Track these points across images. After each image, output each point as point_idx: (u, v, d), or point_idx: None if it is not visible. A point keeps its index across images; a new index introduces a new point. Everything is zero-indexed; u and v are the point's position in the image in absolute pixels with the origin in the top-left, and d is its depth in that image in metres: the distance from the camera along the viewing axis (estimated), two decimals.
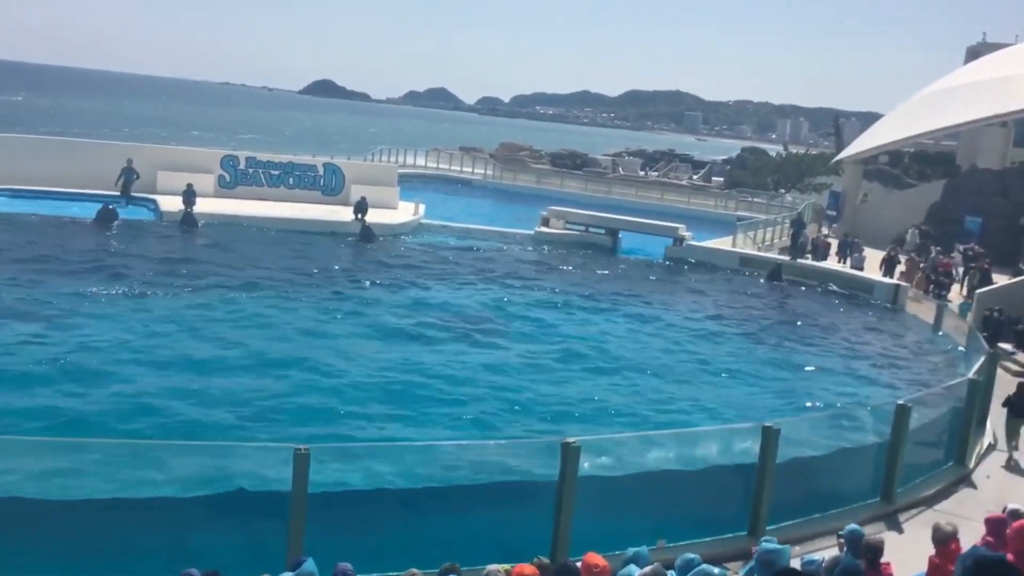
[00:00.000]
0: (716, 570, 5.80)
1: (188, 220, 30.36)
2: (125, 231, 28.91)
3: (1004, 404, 15.18)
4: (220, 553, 8.39)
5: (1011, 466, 14.39)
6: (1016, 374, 20.07)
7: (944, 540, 8.16)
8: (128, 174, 32.53)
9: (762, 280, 31.28)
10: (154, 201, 32.39)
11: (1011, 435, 15.00)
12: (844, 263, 34.73)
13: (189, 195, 30.77)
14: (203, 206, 31.23)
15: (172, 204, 31.12)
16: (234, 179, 35.78)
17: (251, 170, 36.27)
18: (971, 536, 8.67)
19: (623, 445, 11.89)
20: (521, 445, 11.69)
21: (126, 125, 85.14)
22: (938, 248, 33.56)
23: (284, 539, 8.46)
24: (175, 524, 9.19)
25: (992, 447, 14.98)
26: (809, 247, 36.25)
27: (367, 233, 31.94)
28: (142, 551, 8.82)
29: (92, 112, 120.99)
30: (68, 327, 18.25)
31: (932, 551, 8.29)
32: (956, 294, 29.51)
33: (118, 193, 32.20)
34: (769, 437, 10.68)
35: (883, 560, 7.70)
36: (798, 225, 37.10)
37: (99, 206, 29.84)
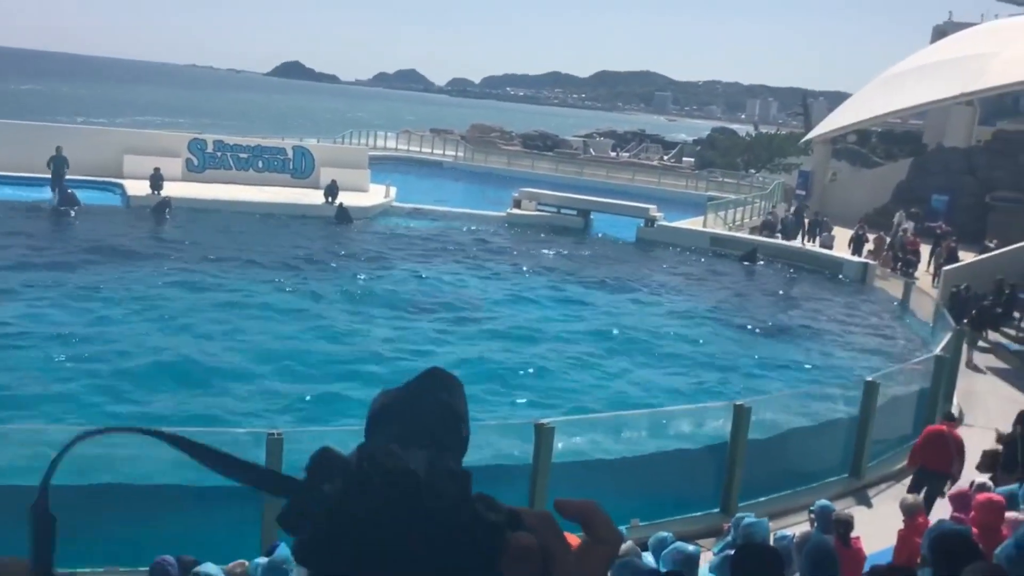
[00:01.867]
0: (690, 547, 5.87)
1: (161, 205, 29.90)
2: (90, 217, 28.53)
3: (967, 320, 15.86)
4: (196, 540, 8.37)
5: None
6: (982, 351, 20.42)
7: (911, 513, 8.33)
8: (58, 162, 29.67)
9: (738, 261, 31.38)
10: (120, 185, 31.96)
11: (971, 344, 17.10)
12: (813, 242, 35.06)
13: (156, 179, 30.38)
14: (171, 190, 30.80)
15: (139, 188, 30.72)
16: (202, 163, 35.37)
17: (219, 153, 35.86)
18: (939, 509, 8.85)
19: (596, 425, 11.98)
20: (494, 428, 11.72)
21: (88, 109, 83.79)
22: (905, 227, 33.94)
23: (259, 525, 8.46)
24: (149, 511, 9.17)
25: (959, 422, 15.22)
26: (779, 227, 36.56)
27: (343, 215, 31.74)
28: (116, 539, 8.80)
29: (52, 95, 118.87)
30: (38, 317, 18.03)
31: (901, 525, 8.46)
32: (923, 271, 29.91)
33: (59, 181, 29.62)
34: (740, 415, 10.82)
35: (853, 535, 7.84)
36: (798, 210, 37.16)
37: (60, 193, 29.23)
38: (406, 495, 0.83)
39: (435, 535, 0.83)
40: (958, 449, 10.99)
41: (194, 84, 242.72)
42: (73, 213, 28.62)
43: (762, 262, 31.18)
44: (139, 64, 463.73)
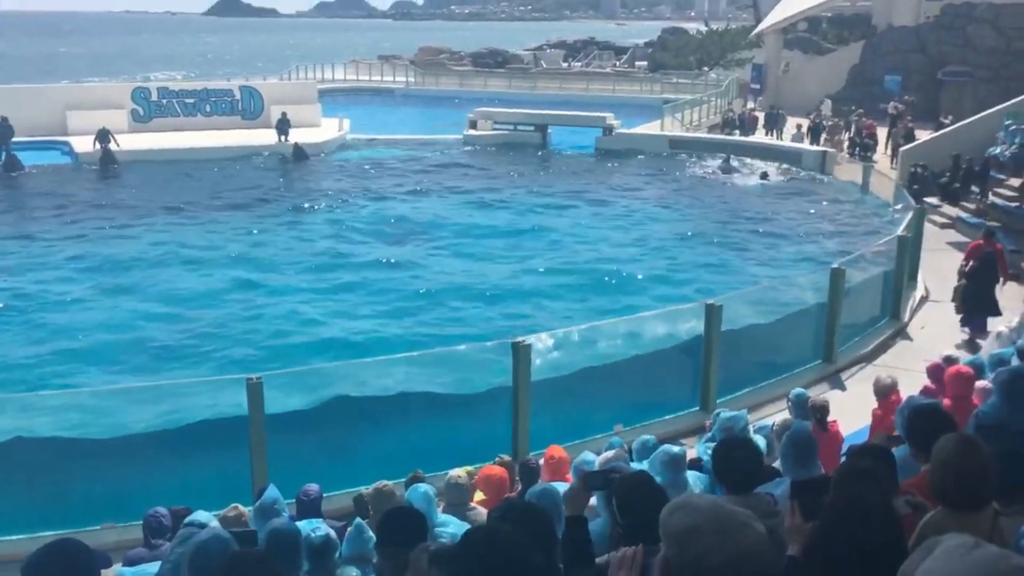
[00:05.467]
0: (676, 448, 6.00)
1: (107, 159, 29.29)
2: (38, 178, 27.87)
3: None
4: (191, 488, 8.44)
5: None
6: (942, 226, 20.73)
7: (884, 392, 8.55)
8: (2, 130, 28.87)
9: (717, 170, 30.49)
10: (67, 143, 31.16)
11: None
12: (772, 135, 35.08)
13: (103, 136, 29.64)
14: (118, 143, 30.13)
15: (87, 145, 29.97)
16: (148, 112, 34.52)
17: (164, 101, 34.99)
18: (911, 386, 9.08)
19: (572, 338, 12.09)
20: (473, 350, 11.80)
21: (23, 70, 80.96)
22: (860, 111, 33.97)
23: (248, 469, 8.54)
24: (139, 464, 9.23)
25: (924, 299, 15.55)
26: (737, 123, 36.50)
27: (299, 153, 31.24)
28: (105, 493, 8.87)
29: None
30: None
31: (875, 405, 8.69)
32: (881, 154, 30.08)
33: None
34: (712, 314, 10.96)
35: (829, 419, 8.05)
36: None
37: (6, 158, 28.46)
38: None
39: None
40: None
41: (129, 30, 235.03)
42: (15, 176, 27.91)
43: (736, 164, 30.71)
44: (71, 16, 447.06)
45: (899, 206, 19.76)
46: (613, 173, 30.90)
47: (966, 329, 13.71)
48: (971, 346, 12.88)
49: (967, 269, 14.03)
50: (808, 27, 56.70)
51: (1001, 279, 13.97)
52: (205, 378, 12.32)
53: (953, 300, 14.17)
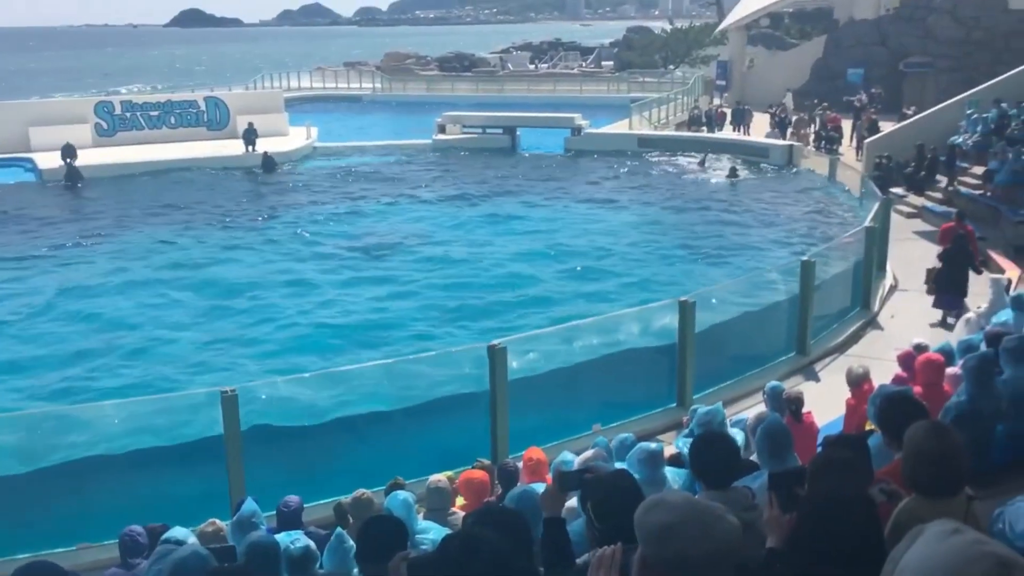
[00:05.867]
0: (653, 445, 6.01)
1: (71, 175, 28.95)
2: (1, 195, 27.46)
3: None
4: (169, 505, 8.35)
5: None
6: (909, 216, 20.97)
7: (857, 382, 8.63)
8: None
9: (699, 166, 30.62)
10: (31, 160, 30.77)
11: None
12: (739, 131, 35.35)
13: (68, 151, 29.30)
14: (83, 158, 29.77)
15: (51, 161, 29.60)
16: (112, 126, 34.18)
17: (129, 114, 34.66)
18: (883, 374, 9.18)
19: (547, 340, 12.10)
20: (450, 355, 11.77)
21: None
22: (825, 104, 34.29)
23: (226, 484, 8.47)
24: (114, 481, 9.12)
25: (894, 288, 15.72)
26: (704, 119, 36.74)
27: (268, 162, 31.02)
28: (80, 512, 8.76)
29: None
30: None
31: (848, 395, 8.78)
32: (847, 146, 30.39)
33: None
34: (686, 311, 11.01)
35: (804, 410, 8.11)
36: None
37: None
38: None
39: None
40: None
41: (92, 44, 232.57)
42: None
43: (714, 159, 30.81)
44: (32, 31, 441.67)
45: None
46: (583, 173, 30.97)
47: (939, 310, 14.03)
48: (945, 325, 13.32)
49: (940, 253, 14.44)
50: (771, 23, 57.30)
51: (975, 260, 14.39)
52: (179, 393, 12.20)
53: (926, 282, 14.53)
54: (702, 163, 30.80)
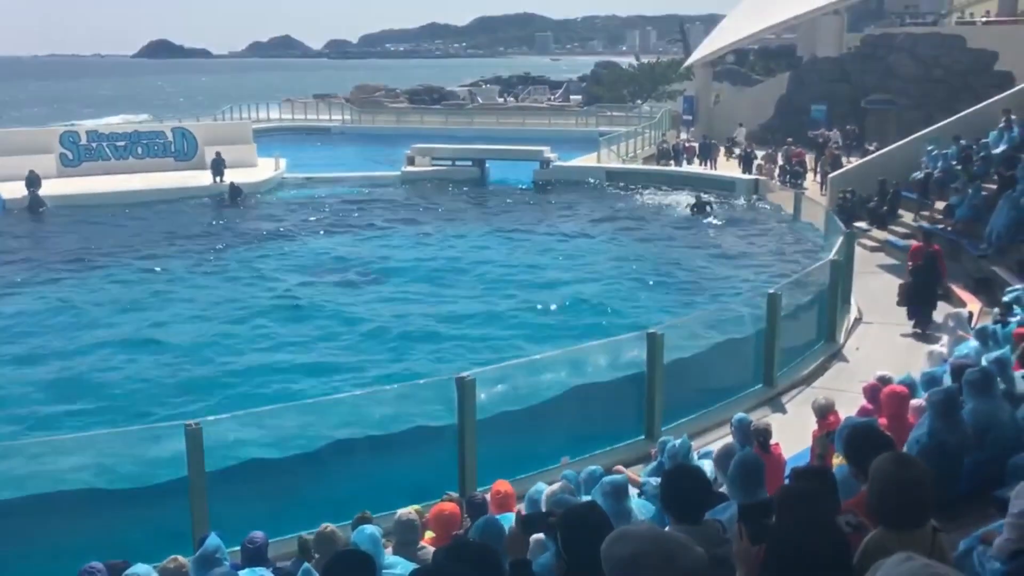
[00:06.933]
0: (617, 477, 6.00)
1: (35, 203, 28.57)
2: None
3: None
4: (130, 541, 8.18)
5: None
6: (872, 250, 21.27)
7: (823, 414, 8.70)
8: None
9: (692, 212, 28.39)
10: None
11: None
12: (705, 165, 35.80)
13: (32, 181, 28.96)
14: (47, 188, 29.43)
15: (14, 191, 29.20)
16: (77, 156, 33.86)
17: (94, 144, 34.37)
18: (849, 406, 9.25)
19: (516, 372, 12.06)
20: (417, 387, 11.69)
21: None
22: (789, 139, 34.83)
23: (188, 520, 8.32)
24: (68, 519, 8.92)
25: (858, 320, 15.91)
26: (672, 153, 37.15)
27: (235, 192, 30.83)
28: (39, 551, 8.55)
29: None
30: None
31: (815, 426, 8.83)
32: (810, 181, 30.84)
33: None
34: (654, 343, 11.05)
35: (772, 442, 8.14)
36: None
37: None
38: None
39: None
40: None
41: (58, 74, 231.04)
42: None
43: (710, 209, 28.31)
44: None
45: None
46: (551, 206, 31.14)
47: (912, 321, 15.27)
48: (917, 337, 14.65)
49: (910, 268, 15.87)
50: (736, 59, 58.27)
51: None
52: (142, 426, 11.98)
53: (899, 294, 15.78)
54: (700, 207, 28.39)
